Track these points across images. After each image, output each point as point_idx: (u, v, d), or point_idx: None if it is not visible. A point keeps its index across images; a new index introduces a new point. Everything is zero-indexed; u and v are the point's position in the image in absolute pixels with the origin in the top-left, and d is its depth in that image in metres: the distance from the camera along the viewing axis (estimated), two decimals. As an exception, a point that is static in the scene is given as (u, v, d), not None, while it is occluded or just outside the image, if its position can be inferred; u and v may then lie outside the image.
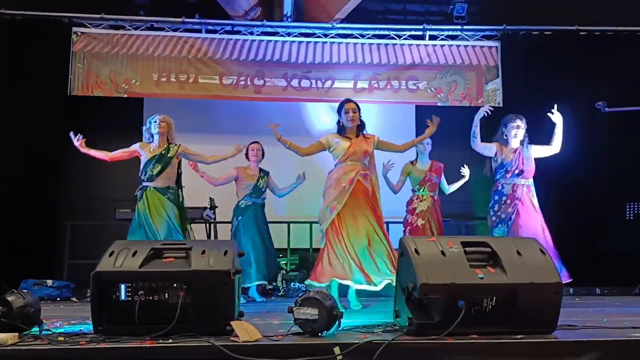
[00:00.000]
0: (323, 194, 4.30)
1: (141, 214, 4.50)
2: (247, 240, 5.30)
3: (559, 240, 4.58)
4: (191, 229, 4.79)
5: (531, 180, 4.55)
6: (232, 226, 5.48)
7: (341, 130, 4.31)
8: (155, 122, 4.61)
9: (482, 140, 4.53)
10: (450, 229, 6.62)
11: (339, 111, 4.34)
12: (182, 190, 4.74)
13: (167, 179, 4.56)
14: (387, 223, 6.95)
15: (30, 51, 6.81)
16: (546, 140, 4.65)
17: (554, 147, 4.56)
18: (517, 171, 4.47)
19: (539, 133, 4.86)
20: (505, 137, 4.57)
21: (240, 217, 5.39)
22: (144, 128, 4.77)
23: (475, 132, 4.49)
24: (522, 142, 4.55)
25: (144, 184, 4.56)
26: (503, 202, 4.45)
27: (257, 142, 5.54)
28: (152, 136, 4.63)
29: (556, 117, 4.51)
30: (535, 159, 4.61)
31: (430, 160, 5.49)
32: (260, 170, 5.52)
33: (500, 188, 4.51)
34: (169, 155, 4.58)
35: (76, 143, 4.66)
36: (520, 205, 4.42)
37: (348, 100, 4.37)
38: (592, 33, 7.28)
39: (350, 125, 4.26)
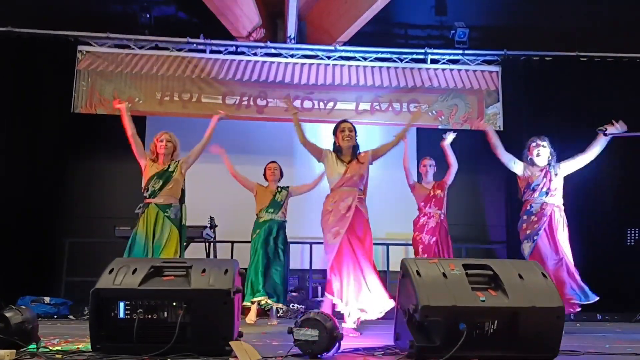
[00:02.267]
0: (320, 221, 4.16)
1: (139, 231, 4.38)
2: (257, 256, 5.17)
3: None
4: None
5: (560, 201, 4.50)
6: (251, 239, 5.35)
7: (337, 150, 4.21)
8: (162, 141, 4.53)
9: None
10: (459, 254, 6.57)
11: (334, 132, 4.26)
12: (184, 210, 4.59)
13: (169, 196, 4.46)
14: (387, 245, 7.06)
15: (36, 69, 6.88)
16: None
17: (588, 155, 4.44)
18: (544, 189, 4.45)
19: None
20: (530, 159, 4.55)
21: (257, 231, 5.24)
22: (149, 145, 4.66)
23: (495, 143, 4.54)
24: (549, 162, 4.51)
25: (147, 200, 4.48)
26: (531, 220, 4.44)
27: (274, 162, 5.43)
28: (157, 155, 4.57)
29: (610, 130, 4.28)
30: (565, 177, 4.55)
31: (434, 180, 5.51)
32: (279, 187, 5.36)
33: (529, 208, 4.49)
34: (169, 170, 4.50)
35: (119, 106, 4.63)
36: (547, 224, 4.39)
37: (344, 121, 4.30)
38: (593, 59, 7.36)
39: (346, 145, 4.16)
